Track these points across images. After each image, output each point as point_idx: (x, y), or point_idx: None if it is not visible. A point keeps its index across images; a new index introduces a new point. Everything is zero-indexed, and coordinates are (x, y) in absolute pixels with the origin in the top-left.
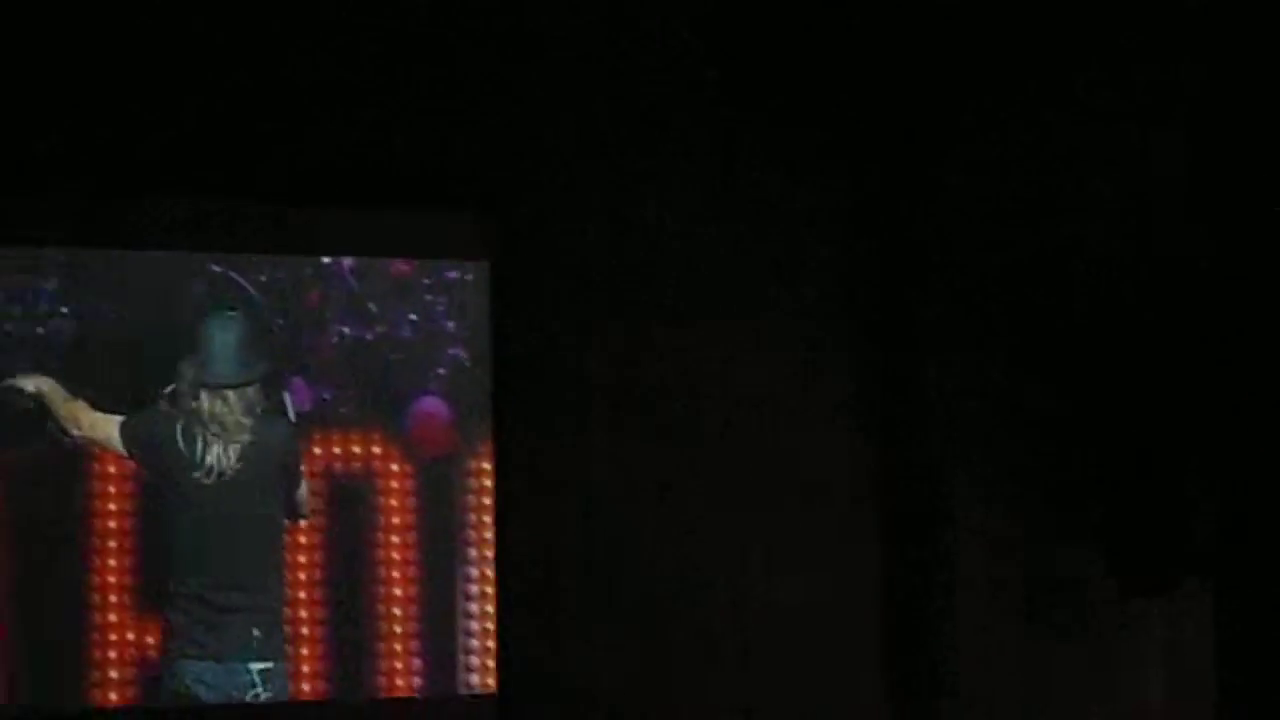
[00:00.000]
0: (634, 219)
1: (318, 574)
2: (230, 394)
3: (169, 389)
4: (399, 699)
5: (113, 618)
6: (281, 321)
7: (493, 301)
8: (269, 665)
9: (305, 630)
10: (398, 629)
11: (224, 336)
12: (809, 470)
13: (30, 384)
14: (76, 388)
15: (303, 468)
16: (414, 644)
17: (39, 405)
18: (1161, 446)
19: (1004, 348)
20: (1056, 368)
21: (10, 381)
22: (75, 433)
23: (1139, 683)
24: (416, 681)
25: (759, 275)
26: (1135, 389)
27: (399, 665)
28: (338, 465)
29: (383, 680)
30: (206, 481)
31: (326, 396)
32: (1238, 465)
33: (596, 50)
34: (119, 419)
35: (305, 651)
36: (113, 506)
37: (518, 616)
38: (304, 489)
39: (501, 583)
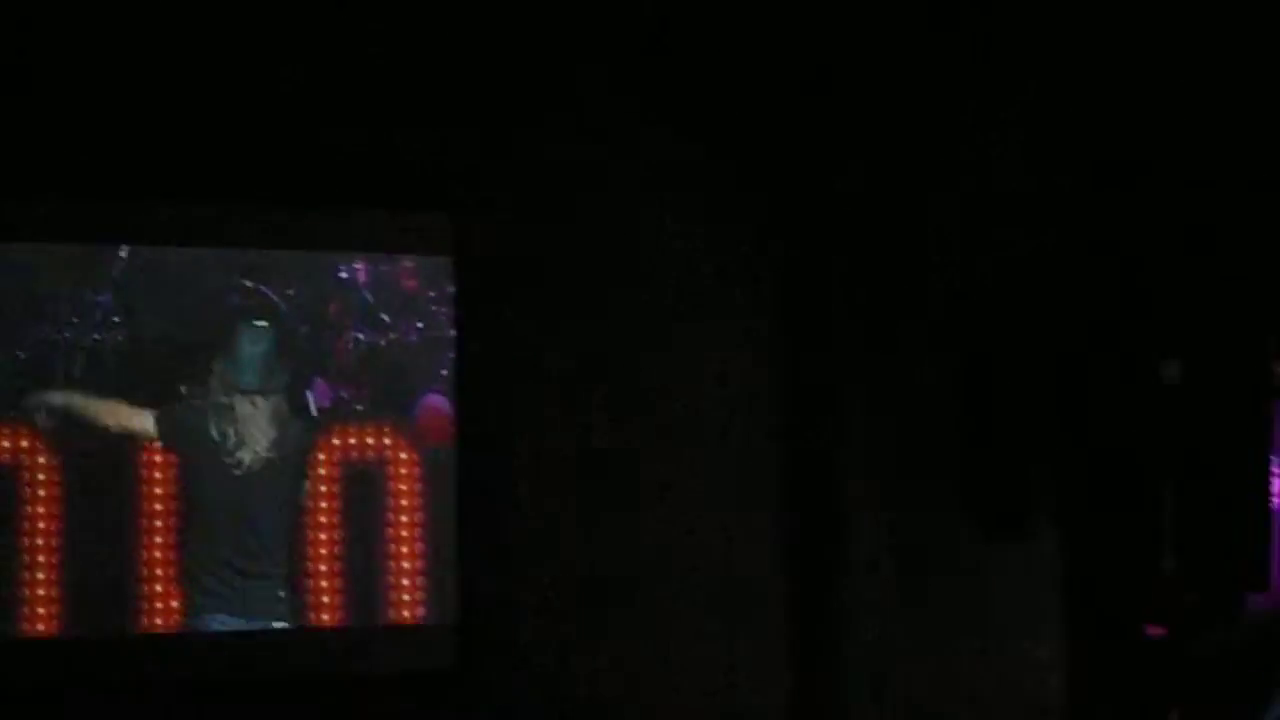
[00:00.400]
0: (583, 222)
1: (336, 549)
2: (259, 399)
3: (204, 390)
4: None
5: (156, 588)
6: (305, 329)
7: (456, 296)
8: (286, 625)
9: (325, 599)
10: (405, 597)
11: (254, 347)
12: (725, 453)
13: (59, 399)
14: (119, 389)
15: (308, 465)
16: (419, 609)
17: (69, 415)
18: (1014, 415)
19: (893, 343)
20: (937, 355)
21: (41, 398)
22: (112, 426)
23: (1001, 621)
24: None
25: (694, 277)
26: (995, 365)
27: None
28: (354, 454)
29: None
30: (237, 472)
31: (344, 395)
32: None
33: (553, 59)
34: (153, 413)
35: (323, 615)
36: (157, 490)
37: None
38: (305, 484)
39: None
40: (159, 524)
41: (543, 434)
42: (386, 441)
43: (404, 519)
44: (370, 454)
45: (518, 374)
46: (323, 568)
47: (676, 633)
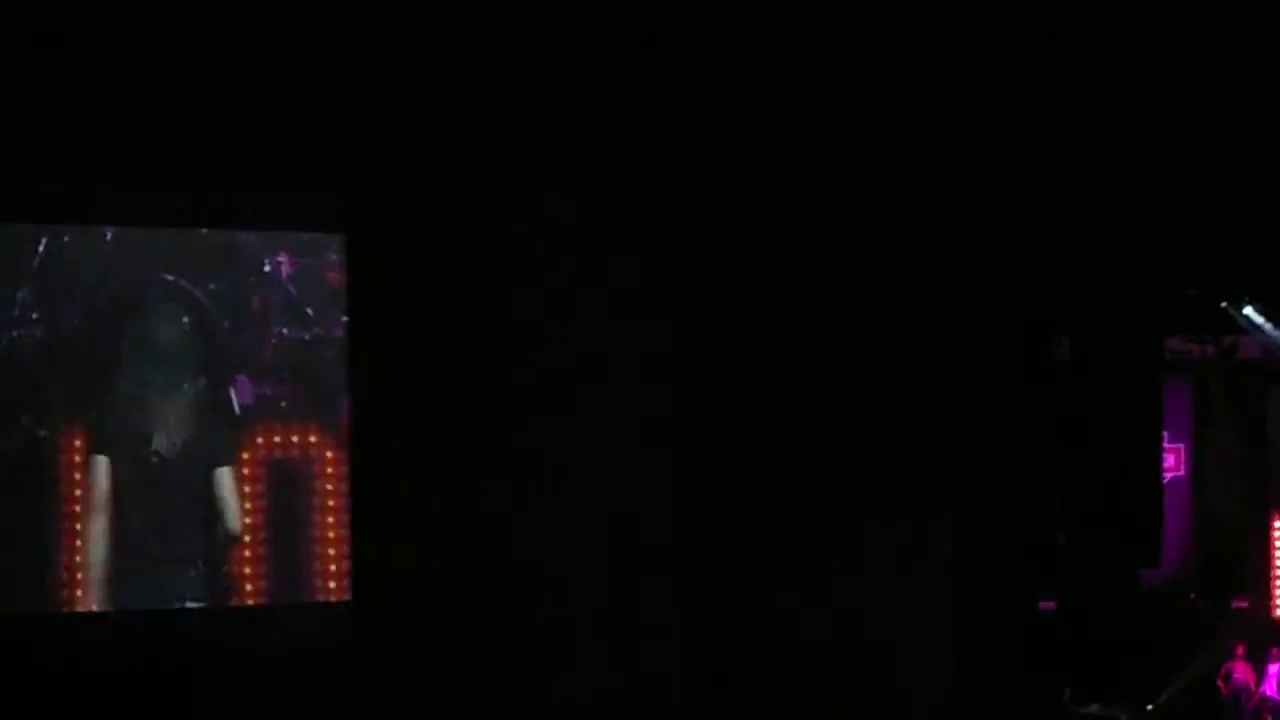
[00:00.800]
0: (482, 214)
1: (260, 534)
2: (176, 392)
3: (122, 384)
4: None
5: (77, 575)
6: (227, 324)
7: (349, 274)
8: (202, 605)
9: (249, 585)
10: (332, 584)
11: (171, 340)
12: (624, 453)
13: None
14: (37, 383)
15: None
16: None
17: None
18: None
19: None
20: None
21: None
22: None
23: (892, 599)
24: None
25: (593, 278)
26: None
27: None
28: (278, 452)
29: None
30: (154, 460)
31: (268, 392)
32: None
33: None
34: (72, 407)
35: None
36: (76, 477)
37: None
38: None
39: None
40: (78, 510)
41: (436, 429)
42: (312, 440)
43: (330, 520)
44: (295, 452)
45: (416, 365)
46: (245, 553)
47: (567, 623)
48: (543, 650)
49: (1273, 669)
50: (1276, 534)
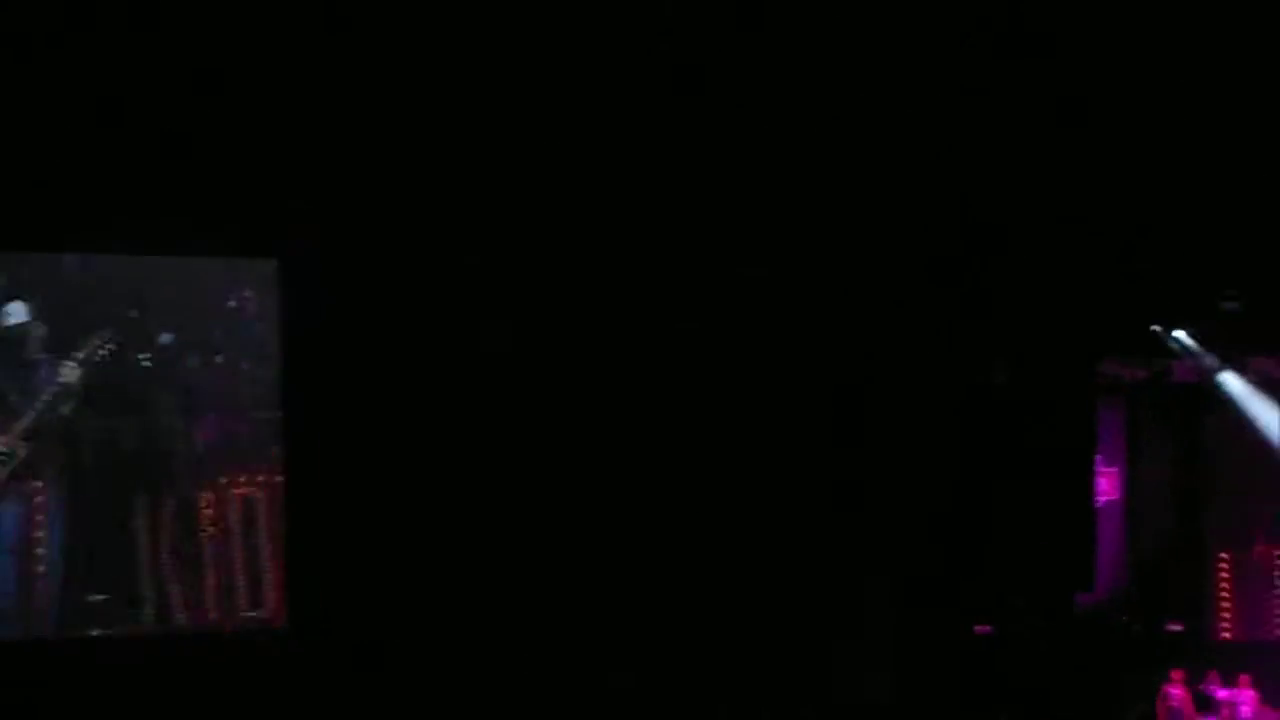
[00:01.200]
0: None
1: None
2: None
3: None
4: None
5: None
6: (195, 362)
7: (282, 298)
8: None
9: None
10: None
11: (125, 374)
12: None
13: None
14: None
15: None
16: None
17: None
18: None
19: None
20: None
21: None
22: None
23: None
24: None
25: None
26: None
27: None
28: (238, 490)
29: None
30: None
31: (229, 427)
32: None
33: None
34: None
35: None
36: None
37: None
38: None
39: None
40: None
41: (371, 447)
42: (262, 479)
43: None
44: (250, 489)
45: (345, 387)
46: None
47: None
48: None
49: (1241, 694)
50: (1223, 562)
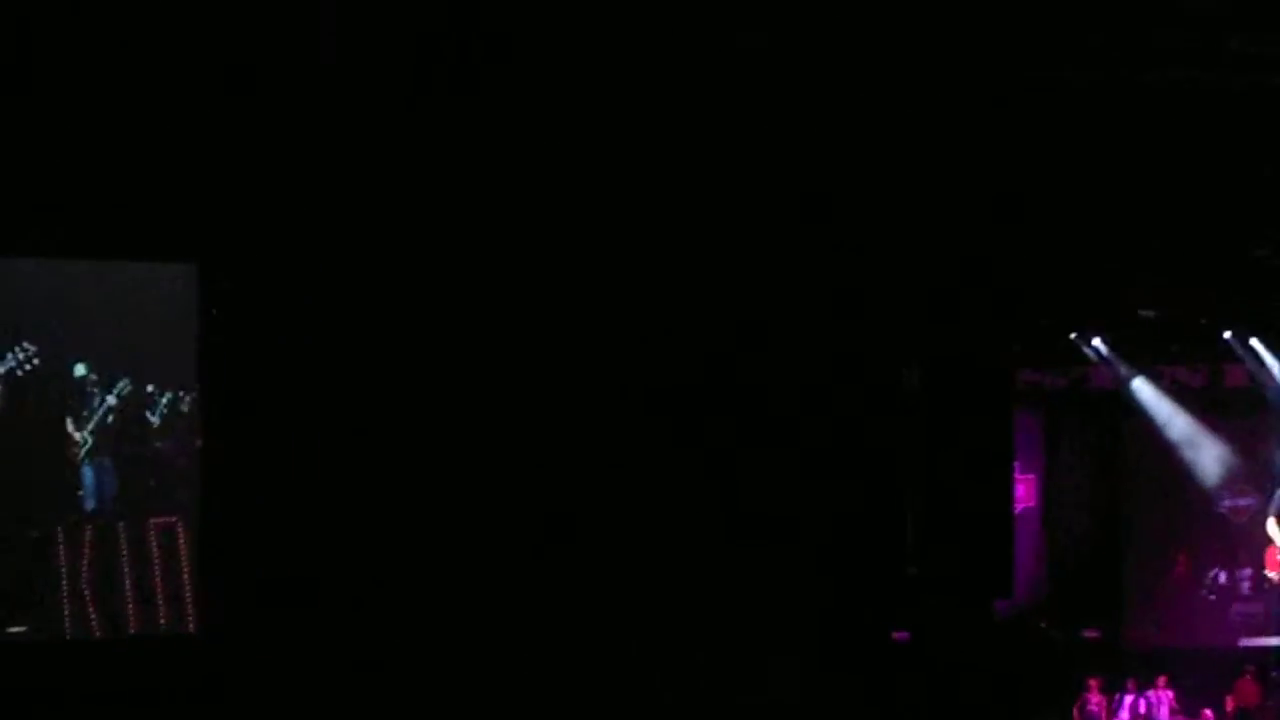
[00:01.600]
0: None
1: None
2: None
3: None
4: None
5: None
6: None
7: (201, 301)
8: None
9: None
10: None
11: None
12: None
13: None
14: None
15: None
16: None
17: None
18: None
19: None
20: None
21: None
22: None
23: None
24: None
25: None
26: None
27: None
28: None
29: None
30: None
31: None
32: None
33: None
34: None
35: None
36: None
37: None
38: None
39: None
40: None
41: (289, 458)
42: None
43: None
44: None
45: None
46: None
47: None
48: None
49: (1127, 699)
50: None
